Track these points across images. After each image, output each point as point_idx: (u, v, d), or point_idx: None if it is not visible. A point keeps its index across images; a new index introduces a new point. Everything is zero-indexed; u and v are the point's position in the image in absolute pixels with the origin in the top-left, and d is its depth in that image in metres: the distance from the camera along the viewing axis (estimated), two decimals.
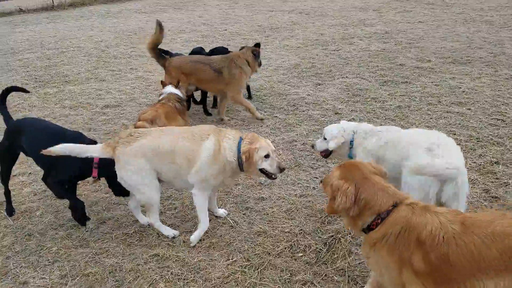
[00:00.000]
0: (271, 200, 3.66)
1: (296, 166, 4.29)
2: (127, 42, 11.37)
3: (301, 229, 3.19)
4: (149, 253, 3.09)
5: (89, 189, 4.14)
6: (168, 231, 3.29)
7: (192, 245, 3.13)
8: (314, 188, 3.81)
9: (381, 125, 5.12)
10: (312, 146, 3.49)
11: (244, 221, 3.40)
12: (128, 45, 11.00)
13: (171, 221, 3.49)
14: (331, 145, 3.14)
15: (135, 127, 3.88)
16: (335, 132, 3.19)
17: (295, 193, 3.75)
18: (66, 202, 3.90)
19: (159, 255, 3.05)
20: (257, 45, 5.93)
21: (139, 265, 2.98)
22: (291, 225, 3.26)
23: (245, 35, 11.59)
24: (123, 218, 3.60)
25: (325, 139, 3.31)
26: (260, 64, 5.85)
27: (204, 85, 5.74)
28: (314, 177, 4.02)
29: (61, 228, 3.54)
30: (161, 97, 4.79)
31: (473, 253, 1.80)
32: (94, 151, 3.13)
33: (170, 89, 4.84)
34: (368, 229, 2.07)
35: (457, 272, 1.84)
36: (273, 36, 11.16)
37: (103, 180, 4.25)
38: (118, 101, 6.83)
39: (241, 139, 3.08)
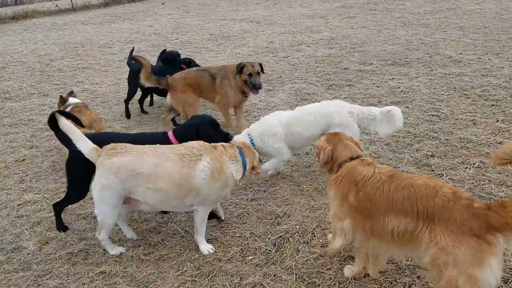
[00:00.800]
0: (223, 207, 3.66)
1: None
2: (73, 54, 11.00)
3: (252, 232, 3.22)
4: (95, 271, 2.99)
5: (31, 210, 3.94)
6: (115, 250, 3.18)
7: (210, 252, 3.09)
8: (264, 191, 3.87)
9: None
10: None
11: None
12: (75, 57, 10.65)
13: (118, 236, 3.40)
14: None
15: None
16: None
17: (247, 197, 3.78)
18: (6, 225, 3.71)
19: (105, 272, 2.96)
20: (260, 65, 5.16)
21: (84, 284, 2.88)
22: (242, 229, 3.29)
23: (197, 43, 11.58)
24: (67, 237, 3.46)
25: None
26: (254, 87, 4.97)
27: (205, 95, 5.38)
28: (265, 181, 4.08)
29: (0, 253, 3.34)
30: (69, 108, 5.04)
31: (388, 196, 2.31)
32: (83, 147, 2.93)
33: (74, 100, 5.35)
34: None
35: (376, 209, 2.35)
36: (224, 44, 11.23)
37: (45, 198, 4.08)
38: None
39: (239, 150, 3.07)
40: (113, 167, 2.84)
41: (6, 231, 3.64)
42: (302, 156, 4.53)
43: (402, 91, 6.40)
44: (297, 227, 3.22)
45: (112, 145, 2.95)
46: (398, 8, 14.10)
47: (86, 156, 2.94)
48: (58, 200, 3.79)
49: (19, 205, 4.06)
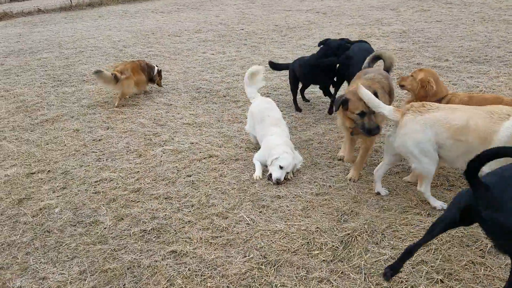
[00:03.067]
0: (287, 198, 3.66)
1: (312, 164, 4.29)
2: (145, 41, 11.51)
3: (317, 227, 3.19)
4: (166, 250, 3.13)
5: (107, 187, 4.21)
6: (437, 203, 3.36)
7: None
8: (330, 186, 3.81)
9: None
10: (269, 178, 3.98)
11: (261, 218, 3.41)
12: (146, 44, 11.14)
13: (188, 218, 3.53)
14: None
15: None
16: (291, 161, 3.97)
17: (311, 191, 3.75)
18: (85, 199, 3.99)
19: (176, 252, 3.09)
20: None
21: (156, 261, 3.03)
22: (307, 223, 3.26)
23: (262, 34, 11.61)
24: (141, 215, 3.65)
25: (281, 167, 3.93)
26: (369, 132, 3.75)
27: None
28: (331, 176, 4.01)
29: (79, 225, 3.61)
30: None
31: None
32: (385, 110, 3.33)
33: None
34: None
35: None
36: (289, 35, 11.14)
37: (120, 177, 4.34)
38: (135, 100, 6.93)
39: None
40: (428, 122, 3.14)
41: (85, 205, 3.92)
42: (371, 154, 4.39)
43: (480, 90, 5.96)
44: (365, 226, 3.13)
45: (417, 103, 3.31)
46: (476, 2, 13.10)
47: (388, 116, 3.33)
48: (133, 179, 4.02)
49: (96, 181, 4.36)
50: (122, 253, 3.17)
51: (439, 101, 3.72)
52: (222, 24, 13.23)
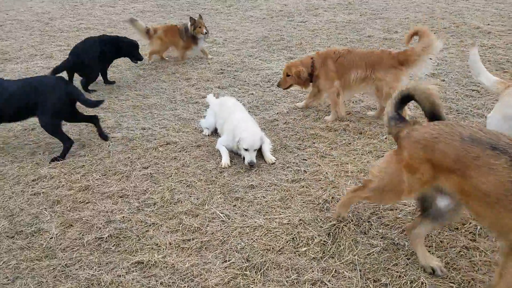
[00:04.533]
0: (262, 188, 3.35)
1: (282, 148, 3.99)
2: (74, 13, 10.30)
3: (300, 219, 2.92)
4: (130, 261, 2.69)
5: (48, 186, 3.60)
6: None
7: None
8: (305, 171, 3.54)
9: (360, 99, 4.95)
10: (250, 164, 3.66)
11: (236, 213, 3.07)
12: (75, 16, 9.96)
13: (151, 219, 3.08)
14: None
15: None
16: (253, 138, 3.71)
17: (287, 178, 3.46)
18: (22, 203, 3.37)
19: (142, 263, 2.66)
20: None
21: (120, 276, 2.58)
22: (288, 216, 2.98)
23: (205, 4, 10.89)
24: (93, 219, 3.14)
25: (246, 150, 3.68)
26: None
27: None
28: (303, 159, 3.75)
29: (18, 237, 3.02)
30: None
31: (349, 60, 4.31)
32: (488, 79, 3.06)
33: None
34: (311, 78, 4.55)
35: (344, 69, 4.33)
36: (235, 6, 10.57)
37: (63, 173, 3.73)
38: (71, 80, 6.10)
39: None
40: None
41: (23, 210, 3.31)
42: (340, 133, 4.19)
43: (436, 63, 5.99)
44: (349, 214, 2.92)
45: None
46: None
47: (490, 87, 3.07)
48: (78, 175, 3.46)
49: (33, 180, 3.71)
50: (76, 269, 2.67)
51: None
52: None
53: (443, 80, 5.33)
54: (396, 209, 2.98)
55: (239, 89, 5.56)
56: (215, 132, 4.39)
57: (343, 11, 9.46)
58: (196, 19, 6.52)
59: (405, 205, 3.01)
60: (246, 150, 3.67)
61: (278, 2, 10.79)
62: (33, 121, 4.82)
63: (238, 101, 4.50)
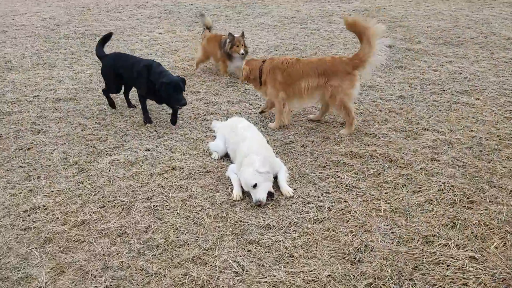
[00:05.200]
0: (280, 229, 2.91)
1: (300, 176, 3.56)
2: (80, 18, 9.99)
3: (329, 275, 2.48)
4: None
5: (41, 219, 3.21)
6: None
7: None
8: (329, 208, 3.10)
9: (385, 119, 4.50)
10: (257, 203, 3.20)
11: (251, 262, 2.64)
12: (81, 22, 9.65)
13: (154, 266, 2.67)
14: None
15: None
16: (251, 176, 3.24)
17: (309, 216, 3.02)
18: (11, 240, 2.98)
19: None
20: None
21: None
22: (314, 268, 2.54)
23: (215, 10, 10.52)
24: (88, 265, 2.73)
25: (254, 187, 3.23)
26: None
27: None
28: (326, 192, 3.31)
29: (4, 284, 2.63)
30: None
31: (298, 70, 4.24)
32: None
33: None
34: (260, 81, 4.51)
35: (292, 79, 4.27)
36: (245, 12, 10.18)
37: (57, 204, 3.32)
38: (72, 93, 5.74)
39: None
40: None
41: (11, 250, 2.92)
42: (366, 160, 3.74)
43: (465, 77, 5.52)
44: (388, 269, 2.48)
45: None
46: None
47: None
48: (75, 206, 3.06)
49: (25, 211, 3.33)
50: None
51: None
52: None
53: (478, 99, 4.85)
54: (443, 263, 2.53)
55: (250, 104, 5.15)
56: (225, 156, 3.97)
57: None
58: (235, 36, 5.76)
59: (452, 257, 2.55)
60: (254, 187, 3.23)
61: (290, 8, 10.39)
62: (31, 138, 4.47)
63: (249, 121, 4.08)
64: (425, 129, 4.25)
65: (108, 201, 3.39)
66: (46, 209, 3.34)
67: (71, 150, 4.26)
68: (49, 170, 3.91)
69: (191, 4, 11.32)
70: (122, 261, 2.73)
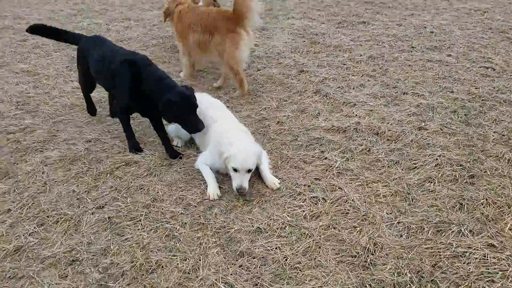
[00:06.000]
0: (274, 232, 2.43)
1: (283, 162, 3.06)
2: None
3: (342, 287, 2.06)
4: None
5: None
6: None
7: None
8: (324, 199, 2.67)
9: (361, 84, 4.10)
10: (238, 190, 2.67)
11: (247, 282, 2.14)
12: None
13: None
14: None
15: None
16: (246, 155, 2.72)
17: (303, 212, 2.56)
18: None
19: None
20: None
21: None
22: (324, 282, 2.11)
23: None
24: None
25: (235, 170, 2.69)
26: None
27: None
28: (315, 179, 2.86)
29: None
30: None
31: (187, 22, 3.97)
32: None
33: None
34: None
35: (185, 29, 3.99)
36: None
37: None
38: None
39: None
40: None
41: None
42: (351, 134, 3.32)
43: (431, 32, 5.23)
44: (406, 270, 2.12)
45: None
46: None
47: None
48: (3, 228, 2.33)
49: None
50: None
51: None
52: None
53: (449, 55, 4.59)
54: (462, 256, 2.22)
55: (206, 73, 4.46)
56: (190, 142, 3.35)
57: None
58: None
59: (469, 247, 2.25)
60: (235, 170, 2.70)
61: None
62: None
63: (212, 97, 3.46)
64: (404, 93, 3.92)
65: (48, 217, 2.66)
66: None
67: None
68: None
69: None
70: None
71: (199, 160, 2.99)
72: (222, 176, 2.90)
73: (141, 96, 3.03)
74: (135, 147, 3.23)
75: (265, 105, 3.83)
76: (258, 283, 2.13)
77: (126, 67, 3.01)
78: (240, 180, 2.67)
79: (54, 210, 2.71)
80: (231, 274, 2.19)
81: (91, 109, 3.74)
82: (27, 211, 2.72)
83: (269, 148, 3.21)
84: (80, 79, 3.61)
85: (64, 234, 2.53)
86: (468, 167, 2.89)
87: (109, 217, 2.62)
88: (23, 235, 2.53)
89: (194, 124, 2.98)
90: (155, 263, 2.28)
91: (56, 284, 2.20)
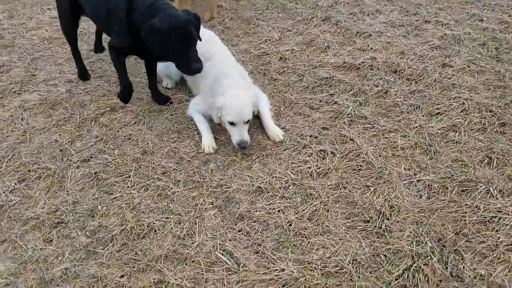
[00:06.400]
0: (276, 192, 2.18)
1: (286, 107, 2.73)
2: None
3: (354, 259, 1.87)
4: None
5: None
6: None
7: None
8: (332, 153, 2.38)
9: (376, 10, 3.57)
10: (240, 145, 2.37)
11: (247, 249, 1.95)
12: None
13: (113, 278, 1.92)
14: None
15: None
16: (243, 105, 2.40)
17: (309, 169, 2.30)
18: None
19: None
20: None
21: None
22: (333, 252, 1.91)
23: None
24: (18, 280, 1.92)
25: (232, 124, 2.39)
26: None
27: None
28: (323, 128, 2.55)
29: None
30: None
31: None
32: None
33: None
34: None
35: None
36: None
37: None
38: None
39: None
40: None
41: None
42: (365, 72, 2.92)
43: None
44: (427, 240, 1.91)
45: None
46: None
47: None
48: None
49: None
50: None
51: None
52: None
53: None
54: (490, 222, 1.99)
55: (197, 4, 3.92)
56: (182, 83, 2.99)
57: None
58: None
59: (500, 211, 2.02)
60: (232, 124, 2.38)
61: None
62: None
63: (212, 32, 3.00)
64: (426, 21, 3.43)
65: (29, 171, 2.42)
66: None
67: None
68: None
69: None
70: (65, 268, 1.95)
71: (191, 106, 2.66)
72: (218, 126, 2.59)
73: (131, 29, 2.48)
74: (125, 96, 2.80)
75: (266, 37, 3.38)
76: (259, 250, 1.95)
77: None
78: (240, 134, 2.37)
79: (36, 164, 2.46)
80: (229, 240, 1.99)
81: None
82: (7, 164, 2.48)
83: (270, 91, 2.85)
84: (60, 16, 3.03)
85: (48, 191, 2.31)
86: (499, 113, 2.55)
87: (95, 172, 2.38)
88: (4, 192, 2.31)
89: (187, 62, 2.40)
90: (147, 226, 2.08)
91: (41, 249, 2.03)
